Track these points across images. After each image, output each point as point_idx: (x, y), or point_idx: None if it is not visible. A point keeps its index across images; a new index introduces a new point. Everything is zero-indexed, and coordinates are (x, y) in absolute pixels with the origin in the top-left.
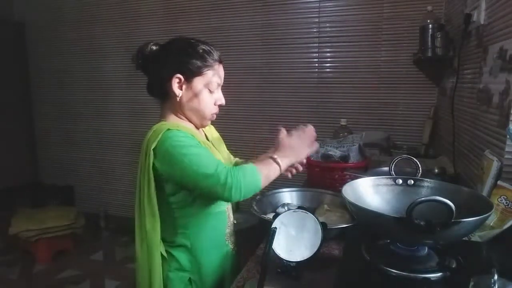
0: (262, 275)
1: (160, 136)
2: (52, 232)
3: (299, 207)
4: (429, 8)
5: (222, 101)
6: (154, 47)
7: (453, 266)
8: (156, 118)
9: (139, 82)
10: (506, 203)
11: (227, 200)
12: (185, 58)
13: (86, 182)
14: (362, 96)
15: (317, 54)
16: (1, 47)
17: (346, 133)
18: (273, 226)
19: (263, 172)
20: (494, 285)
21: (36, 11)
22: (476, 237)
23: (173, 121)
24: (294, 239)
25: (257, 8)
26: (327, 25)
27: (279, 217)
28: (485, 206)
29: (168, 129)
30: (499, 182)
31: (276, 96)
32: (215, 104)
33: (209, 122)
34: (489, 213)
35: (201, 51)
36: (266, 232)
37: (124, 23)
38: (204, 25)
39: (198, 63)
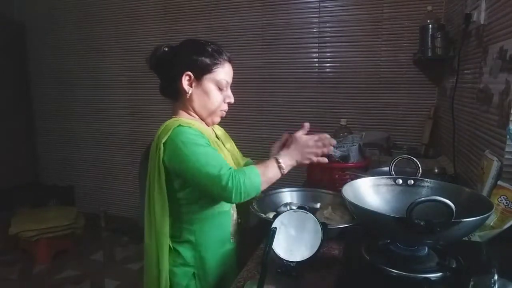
0: (262, 275)
1: (170, 131)
2: (52, 232)
3: (299, 207)
4: (429, 8)
5: (231, 99)
6: (166, 49)
7: (453, 266)
8: (156, 118)
9: (139, 82)
10: (506, 203)
11: (227, 201)
12: (194, 56)
13: (86, 182)
14: (362, 96)
15: (317, 54)
16: (1, 47)
17: (346, 133)
18: (273, 226)
19: (264, 175)
20: (494, 285)
21: (36, 11)
22: (476, 237)
23: (184, 118)
24: (294, 239)
25: (257, 8)
26: (327, 25)
27: (279, 217)
28: (485, 206)
29: (179, 125)
30: (499, 182)
31: (276, 96)
32: (224, 102)
33: (219, 119)
34: (489, 213)
35: (210, 49)
36: (266, 232)
37: (124, 23)
38: (204, 25)
39: (207, 61)
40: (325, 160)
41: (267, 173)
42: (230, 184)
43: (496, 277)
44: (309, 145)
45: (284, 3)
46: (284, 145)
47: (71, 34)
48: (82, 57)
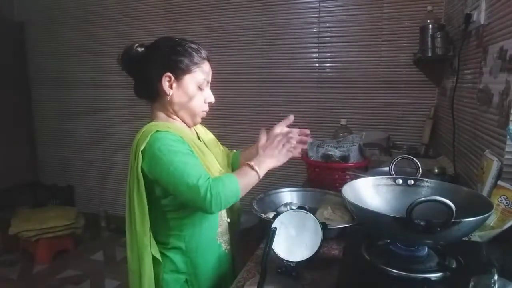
0: (262, 275)
1: (148, 137)
2: (52, 232)
3: (299, 207)
4: (429, 8)
5: (211, 98)
6: (140, 49)
7: (453, 266)
8: None
9: None
10: (506, 203)
11: (206, 212)
12: (174, 57)
13: (86, 182)
14: (362, 96)
15: (317, 54)
16: (1, 47)
17: (346, 133)
18: (273, 226)
19: (242, 182)
20: (494, 285)
21: (36, 11)
22: (476, 237)
23: (163, 121)
24: (294, 239)
25: (257, 8)
26: (327, 25)
27: (279, 217)
28: (485, 206)
29: (157, 131)
30: (499, 182)
31: (276, 96)
32: (204, 102)
33: (200, 119)
34: (489, 213)
35: (189, 49)
36: (266, 232)
37: (124, 23)
38: (204, 25)
39: (187, 61)
40: (296, 153)
41: (244, 179)
42: (208, 194)
43: (496, 277)
44: (273, 145)
45: (284, 3)
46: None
47: (71, 34)
48: (82, 57)
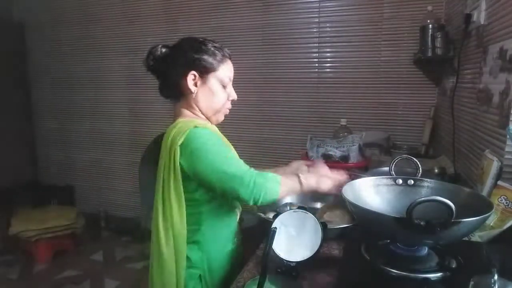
0: (262, 275)
1: (187, 132)
2: (52, 232)
3: (299, 207)
4: (429, 8)
5: (234, 96)
6: (164, 49)
7: (453, 266)
8: (156, 118)
9: (139, 82)
10: (506, 203)
11: (246, 202)
12: (198, 55)
13: (86, 182)
14: (362, 96)
15: (317, 54)
16: (1, 47)
17: (346, 133)
18: (273, 226)
19: (285, 185)
20: (494, 285)
21: (36, 11)
22: (476, 237)
23: (190, 118)
24: (294, 239)
25: (257, 8)
26: (327, 25)
27: (279, 217)
28: (485, 206)
29: (195, 126)
30: (499, 182)
31: (276, 96)
32: (228, 100)
33: (223, 117)
34: (489, 213)
35: (212, 48)
36: (266, 232)
37: (124, 23)
38: (204, 25)
39: (211, 59)
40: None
41: (287, 182)
42: (252, 183)
43: (496, 277)
44: (335, 177)
45: (284, 3)
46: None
47: (71, 34)
48: (82, 57)
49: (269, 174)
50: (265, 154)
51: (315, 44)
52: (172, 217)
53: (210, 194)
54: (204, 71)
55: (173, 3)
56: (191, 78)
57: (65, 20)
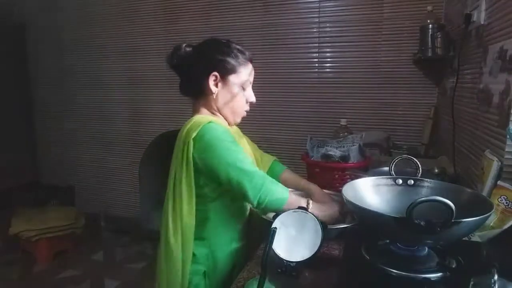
0: (262, 275)
1: (201, 127)
2: (52, 232)
3: (299, 207)
4: (429, 8)
5: (253, 98)
6: (188, 49)
7: (453, 266)
8: (156, 118)
9: (139, 82)
10: (506, 203)
11: (251, 201)
12: (220, 56)
13: (86, 182)
14: (362, 96)
15: (317, 54)
16: (1, 47)
17: (346, 133)
18: (273, 226)
19: (290, 203)
20: (494, 285)
21: (36, 11)
22: (476, 237)
23: (209, 116)
24: (294, 239)
25: (257, 8)
26: (327, 25)
27: (279, 217)
28: (485, 206)
29: (210, 121)
30: (499, 182)
31: (276, 96)
32: (246, 102)
33: (240, 119)
34: (489, 213)
35: (235, 50)
36: (266, 232)
37: (124, 23)
38: (204, 25)
39: (233, 61)
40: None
41: (293, 201)
42: (259, 185)
43: (496, 277)
44: (343, 212)
45: (284, 3)
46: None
47: (71, 34)
48: (82, 57)
49: (280, 184)
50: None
51: (315, 44)
52: (181, 209)
53: (218, 191)
54: (226, 73)
55: (173, 3)
56: (212, 78)
57: (65, 20)
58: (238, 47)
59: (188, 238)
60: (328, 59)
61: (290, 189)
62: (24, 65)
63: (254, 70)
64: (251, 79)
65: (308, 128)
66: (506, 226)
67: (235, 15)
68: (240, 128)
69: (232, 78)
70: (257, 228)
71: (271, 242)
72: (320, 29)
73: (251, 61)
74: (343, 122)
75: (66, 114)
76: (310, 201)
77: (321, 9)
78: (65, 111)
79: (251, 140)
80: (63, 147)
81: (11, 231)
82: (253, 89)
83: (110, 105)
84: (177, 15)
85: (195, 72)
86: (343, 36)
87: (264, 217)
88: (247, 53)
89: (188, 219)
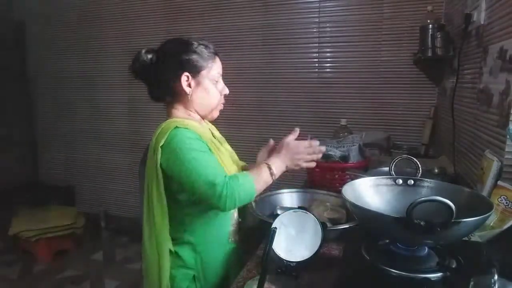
0: (262, 275)
1: (168, 134)
2: (52, 232)
3: (299, 207)
4: (429, 8)
5: (226, 90)
6: (149, 54)
7: (453, 266)
8: (155, 118)
9: (139, 82)
10: (506, 203)
11: (218, 209)
12: (187, 56)
13: (86, 182)
14: (362, 96)
15: (317, 54)
16: (1, 47)
17: (346, 133)
18: (273, 226)
19: (258, 182)
20: (494, 285)
21: (36, 10)
22: (476, 237)
23: (181, 118)
24: (294, 239)
25: (257, 8)
26: (327, 25)
27: (279, 217)
28: (485, 206)
29: (176, 127)
30: (499, 182)
31: (276, 96)
32: (220, 95)
33: (218, 113)
34: (489, 213)
35: (200, 46)
36: (266, 232)
37: (124, 23)
38: (204, 25)
39: (200, 58)
40: (313, 164)
41: (260, 179)
42: (224, 192)
43: (496, 277)
44: (299, 151)
45: (284, 3)
46: (272, 151)
47: (70, 34)
48: (82, 57)
49: (241, 175)
50: None
51: (315, 44)
52: (154, 216)
53: (194, 197)
54: (196, 71)
55: (173, 3)
56: (184, 79)
57: (65, 20)
58: (202, 42)
59: (162, 246)
60: (328, 59)
61: (246, 172)
62: (24, 65)
63: (255, 70)
64: (221, 71)
65: (308, 128)
66: (506, 226)
67: (235, 15)
68: (240, 128)
69: (202, 75)
70: (255, 227)
71: (271, 242)
72: (320, 29)
73: (216, 54)
74: (343, 122)
75: (66, 114)
76: (269, 162)
77: (321, 9)
78: (65, 111)
79: (250, 141)
80: (63, 147)
81: (11, 231)
82: (253, 89)
83: (110, 105)
84: (177, 15)
85: (164, 76)
86: (343, 36)
87: (264, 218)
88: (211, 46)
89: (161, 226)
